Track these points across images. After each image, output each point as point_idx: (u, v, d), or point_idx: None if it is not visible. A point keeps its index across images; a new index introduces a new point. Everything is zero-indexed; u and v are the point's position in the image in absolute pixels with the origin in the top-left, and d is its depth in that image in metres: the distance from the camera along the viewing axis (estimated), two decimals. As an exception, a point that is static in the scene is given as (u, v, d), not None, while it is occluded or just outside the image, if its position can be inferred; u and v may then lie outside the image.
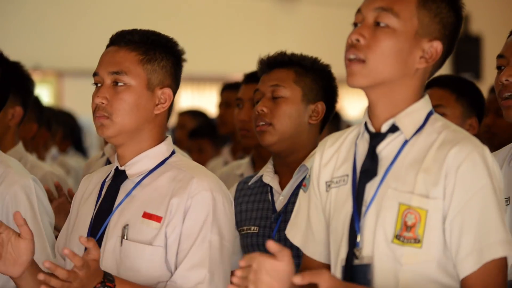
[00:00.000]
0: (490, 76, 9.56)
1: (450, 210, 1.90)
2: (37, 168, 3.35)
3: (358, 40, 1.95)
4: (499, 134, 3.36)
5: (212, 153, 5.52)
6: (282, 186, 2.76)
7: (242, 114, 3.51)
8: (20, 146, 3.39)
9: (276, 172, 2.80)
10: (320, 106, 2.76)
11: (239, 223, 2.80)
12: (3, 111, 2.91)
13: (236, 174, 3.58)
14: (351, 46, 1.96)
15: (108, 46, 2.36)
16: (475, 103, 3.08)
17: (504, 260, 1.90)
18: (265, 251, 2.69)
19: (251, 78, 3.56)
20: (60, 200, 2.94)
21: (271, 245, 1.82)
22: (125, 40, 2.32)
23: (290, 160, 2.75)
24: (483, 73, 11.00)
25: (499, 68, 2.60)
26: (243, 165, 3.66)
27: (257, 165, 3.56)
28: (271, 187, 2.78)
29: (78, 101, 9.75)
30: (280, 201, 2.74)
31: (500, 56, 2.59)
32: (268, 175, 2.79)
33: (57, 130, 6.04)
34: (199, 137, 5.55)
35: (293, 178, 2.73)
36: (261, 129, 2.74)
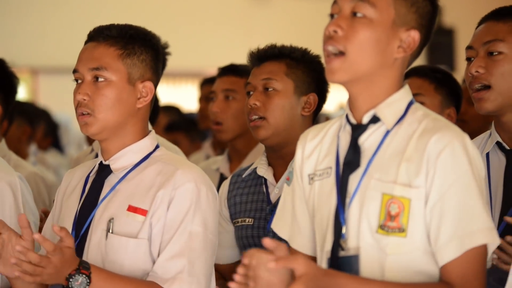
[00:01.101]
0: (464, 67, 9.62)
1: (430, 197, 1.91)
2: (21, 168, 3.31)
3: (335, 31, 1.95)
4: (470, 122, 3.39)
5: (187, 146, 5.54)
6: (277, 178, 2.77)
7: (215, 106, 3.51)
8: (3, 144, 3.36)
9: (269, 164, 2.80)
10: (312, 98, 2.77)
11: (234, 215, 2.81)
12: None
13: (212, 169, 3.58)
14: (328, 38, 1.96)
15: (86, 42, 2.36)
16: (453, 93, 3.11)
17: (484, 248, 1.90)
18: (260, 242, 2.71)
19: (224, 71, 3.57)
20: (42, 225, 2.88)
21: (267, 242, 1.82)
22: (103, 35, 2.32)
23: (284, 153, 2.75)
24: (457, 65, 11.06)
25: (468, 59, 2.62)
26: (219, 160, 3.66)
27: (232, 159, 3.56)
28: (265, 179, 2.79)
29: (53, 99, 9.71)
30: (275, 193, 2.75)
31: (469, 48, 2.61)
32: (262, 167, 2.80)
33: (38, 128, 6.03)
34: (174, 130, 5.57)
35: (287, 170, 2.73)
36: (255, 124, 2.75)
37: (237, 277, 1.84)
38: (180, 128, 5.56)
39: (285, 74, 2.76)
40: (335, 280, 1.84)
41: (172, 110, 6.09)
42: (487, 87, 2.55)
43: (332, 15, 2.00)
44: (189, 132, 5.58)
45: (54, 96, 10.08)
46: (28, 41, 10.22)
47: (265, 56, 2.81)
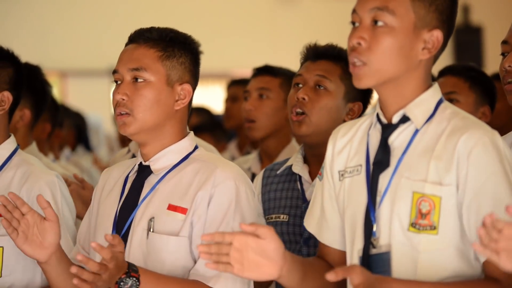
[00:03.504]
0: (491, 66, 9.57)
1: (466, 196, 1.92)
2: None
3: (359, 43, 1.97)
4: (492, 119, 3.37)
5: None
6: (312, 176, 2.76)
7: (248, 104, 3.52)
8: (33, 147, 3.41)
9: (305, 162, 2.79)
10: (357, 107, 2.74)
11: (267, 211, 2.80)
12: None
13: (243, 168, 3.59)
14: (352, 50, 1.98)
15: (126, 44, 2.39)
16: (488, 91, 3.12)
17: None
18: (295, 239, 2.71)
19: (259, 71, 3.59)
20: (72, 187, 2.96)
21: (244, 227, 1.86)
22: (143, 37, 2.35)
23: (321, 151, 2.71)
24: (484, 64, 10.99)
25: (503, 54, 2.61)
26: (250, 159, 3.68)
27: (263, 159, 3.58)
28: (299, 176, 2.77)
29: (82, 101, 9.78)
30: (310, 190, 2.73)
31: (504, 42, 2.60)
32: (297, 164, 2.78)
33: (68, 129, 6.10)
34: (199, 132, 5.61)
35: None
36: (297, 119, 2.72)
37: (202, 248, 1.89)
38: (205, 130, 5.59)
39: (339, 77, 2.73)
40: (388, 285, 1.87)
41: (203, 111, 6.11)
42: None
43: (353, 23, 2.01)
44: (214, 133, 5.60)
45: (83, 98, 10.16)
46: (57, 44, 10.31)
47: (324, 54, 2.77)
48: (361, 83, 1.99)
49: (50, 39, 10.25)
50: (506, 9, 10.48)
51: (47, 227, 2.21)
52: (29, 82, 2.82)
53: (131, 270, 2.15)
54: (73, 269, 2.10)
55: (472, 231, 1.92)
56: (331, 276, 1.82)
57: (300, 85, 2.77)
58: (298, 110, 2.72)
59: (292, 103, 2.75)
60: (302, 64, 2.83)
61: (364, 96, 2.78)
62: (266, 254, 1.87)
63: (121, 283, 2.14)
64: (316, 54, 2.78)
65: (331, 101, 2.72)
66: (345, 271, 1.83)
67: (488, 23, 11.12)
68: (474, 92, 3.08)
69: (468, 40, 10.93)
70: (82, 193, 2.97)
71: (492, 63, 10.48)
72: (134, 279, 2.14)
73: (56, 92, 10.53)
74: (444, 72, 3.20)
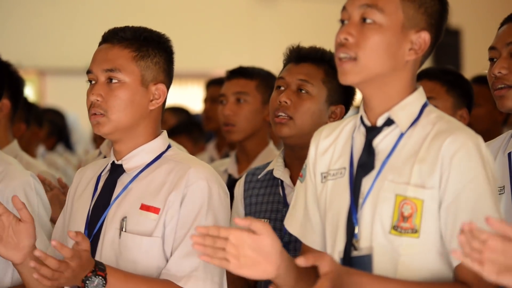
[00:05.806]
0: (470, 69, 9.63)
1: (445, 198, 1.92)
2: (33, 167, 3.35)
3: (346, 39, 1.97)
4: (474, 124, 3.39)
5: (191, 149, 5.55)
6: (294, 180, 2.75)
7: (226, 109, 3.51)
8: (15, 144, 3.40)
9: (286, 165, 2.79)
10: (340, 110, 2.74)
11: (249, 215, 2.79)
12: None
13: (220, 170, 3.59)
14: (340, 45, 1.98)
15: (100, 43, 2.38)
16: (465, 94, 3.11)
17: None
18: None
19: (234, 74, 3.57)
20: (53, 192, 2.96)
21: (238, 221, 1.84)
22: (117, 37, 2.34)
23: (303, 154, 2.72)
24: (463, 66, 11.06)
25: (491, 60, 2.61)
26: (226, 162, 3.67)
27: (240, 160, 3.57)
28: (281, 181, 2.77)
29: (60, 99, 9.74)
30: (292, 195, 2.71)
31: (491, 48, 2.60)
32: (278, 169, 2.78)
33: (47, 128, 6.08)
34: (176, 134, 5.59)
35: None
36: (280, 121, 2.72)
37: (195, 238, 1.85)
38: (181, 132, 5.57)
39: (321, 81, 2.73)
40: (356, 278, 1.87)
41: (181, 111, 6.10)
42: (510, 87, 2.54)
43: (342, 21, 2.01)
44: (191, 134, 5.59)
45: (61, 97, 10.12)
46: (35, 43, 10.26)
47: (307, 56, 2.76)
48: (347, 79, 1.98)
49: (28, 37, 10.20)
50: (484, 12, 10.54)
51: (22, 228, 2.20)
52: (3, 77, 2.81)
53: (98, 269, 2.14)
54: (32, 263, 2.10)
55: (447, 235, 1.92)
56: (301, 261, 1.81)
57: (282, 88, 2.76)
58: (281, 114, 2.72)
59: (274, 106, 2.75)
60: (284, 65, 2.82)
61: (346, 99, 2.78)
62: (263, 250, 1.84)
63: (87, 281, 2.13)
64: (298, 56, 2.77)
65: (313, 105, 2.72)
66: (315, 258, 1.83)
67: (466, 25, 11.18)
68: (452, 96, 3.08)
69: (446, 42, 10.98)
70: (62, 199, 2.96)
71: (470, 66, 10.54)
72: (100, 277, 2.14)
73: (34, 91, 10.49)
74: (420, 77, 3.19)
